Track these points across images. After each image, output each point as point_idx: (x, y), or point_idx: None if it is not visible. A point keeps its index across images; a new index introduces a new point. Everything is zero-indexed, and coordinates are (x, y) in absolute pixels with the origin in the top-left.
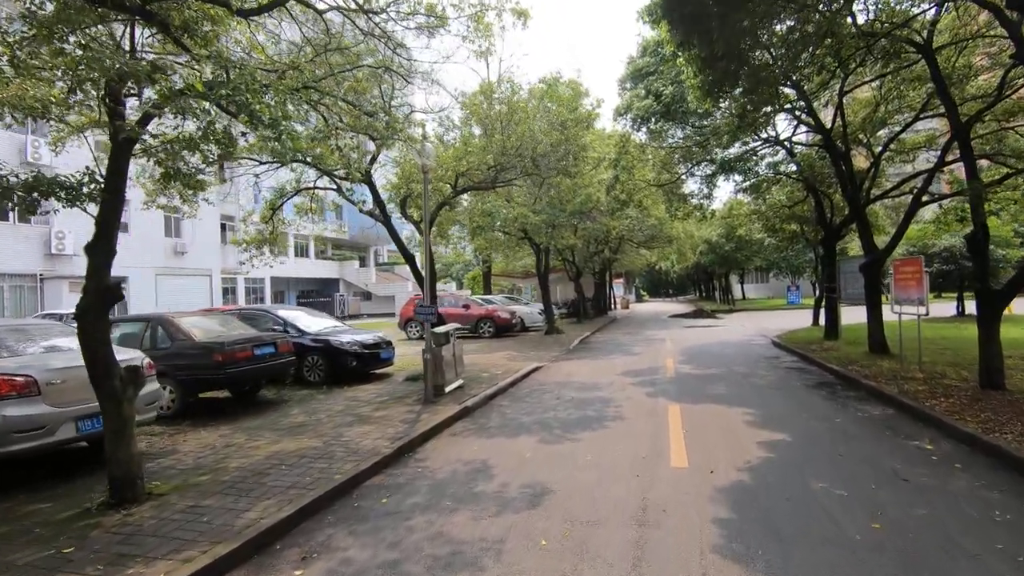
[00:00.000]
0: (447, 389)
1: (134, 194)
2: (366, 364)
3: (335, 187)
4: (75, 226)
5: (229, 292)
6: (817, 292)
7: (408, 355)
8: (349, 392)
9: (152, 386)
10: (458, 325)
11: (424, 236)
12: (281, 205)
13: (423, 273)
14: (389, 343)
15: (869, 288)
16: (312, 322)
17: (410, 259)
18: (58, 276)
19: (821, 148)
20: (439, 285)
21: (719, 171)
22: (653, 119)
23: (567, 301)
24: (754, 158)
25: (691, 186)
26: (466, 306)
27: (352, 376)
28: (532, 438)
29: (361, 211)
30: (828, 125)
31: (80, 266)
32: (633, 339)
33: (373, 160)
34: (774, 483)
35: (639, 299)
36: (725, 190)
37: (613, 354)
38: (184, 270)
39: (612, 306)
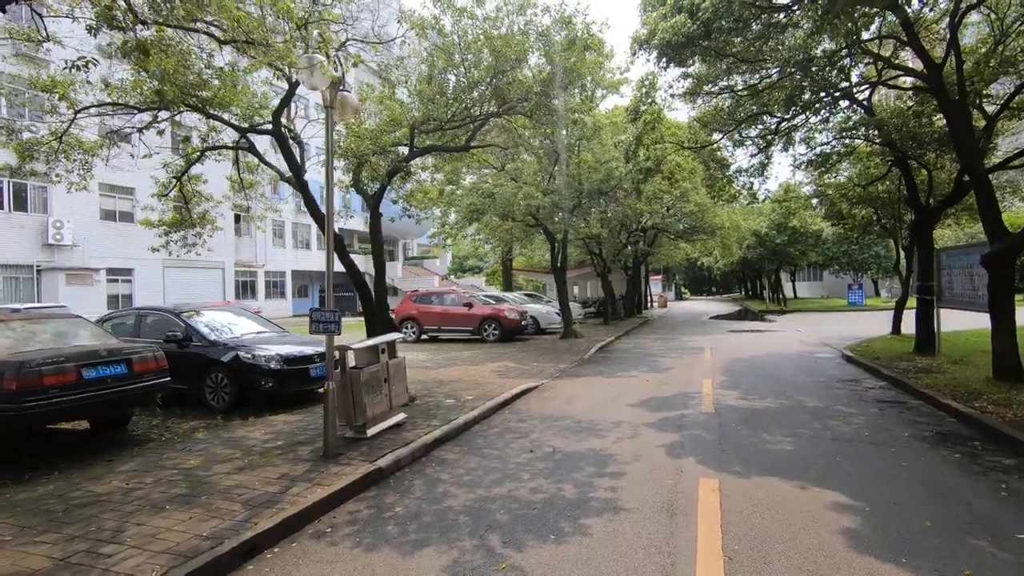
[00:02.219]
0: (373, 430)
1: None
2: (285, 384)
3: (246, 144)
4: (74, 215)
5: (247, 286)
6: (887, 292)
7: None
8: (245, 428)
9: None
10: (398, 336)
11: (326, 205)
12: (183, 174)
13: (373, 263)
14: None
15: (998, 288)
16: (231, 326)
17: (339, 241)
18: (55, 267)
19: (916, 98)
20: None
21: (773, 136)
22: (687, 52)
23: (594, 299)
24: (820, 121)
25: (738, 158)
26: (468, 304)
27: (270, 400)
28: (446, 556)
29: (282, 178)
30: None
31: (80, 257)
32: (664, 347)
33: (285, 104)
34: None
35: (679, 297)
36: (782, 167)
37: (634, 369)
38: (195, 262)
39: (648, 304)
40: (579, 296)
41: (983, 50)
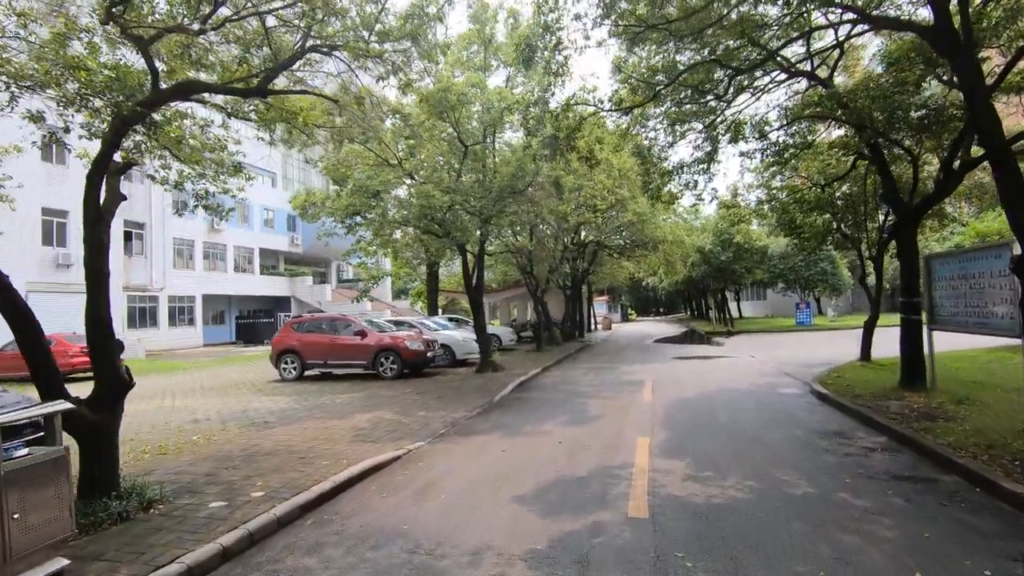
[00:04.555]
0: None
1: None
2: None
3: None
4: None
5: (144, 314)
6: (833, 311)
7: (209, 429)
8: None
9: None
10: (55, 407)
11: None
12: None
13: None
14: None
15: None
16: None
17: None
18: None
19: (891, 69)
20: (402, 303)
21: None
22: None
23: (533, 323)
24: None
25: (679, 152)
26: (361, 333)
27: None
28: None
29: None
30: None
31: None
32: (598, 381)
33: None
34: None
35: (625, 318)
36: (730, 166)
37: (550, 419)
38: (69, 286)
39: (592, 327)
40: (519, 319)
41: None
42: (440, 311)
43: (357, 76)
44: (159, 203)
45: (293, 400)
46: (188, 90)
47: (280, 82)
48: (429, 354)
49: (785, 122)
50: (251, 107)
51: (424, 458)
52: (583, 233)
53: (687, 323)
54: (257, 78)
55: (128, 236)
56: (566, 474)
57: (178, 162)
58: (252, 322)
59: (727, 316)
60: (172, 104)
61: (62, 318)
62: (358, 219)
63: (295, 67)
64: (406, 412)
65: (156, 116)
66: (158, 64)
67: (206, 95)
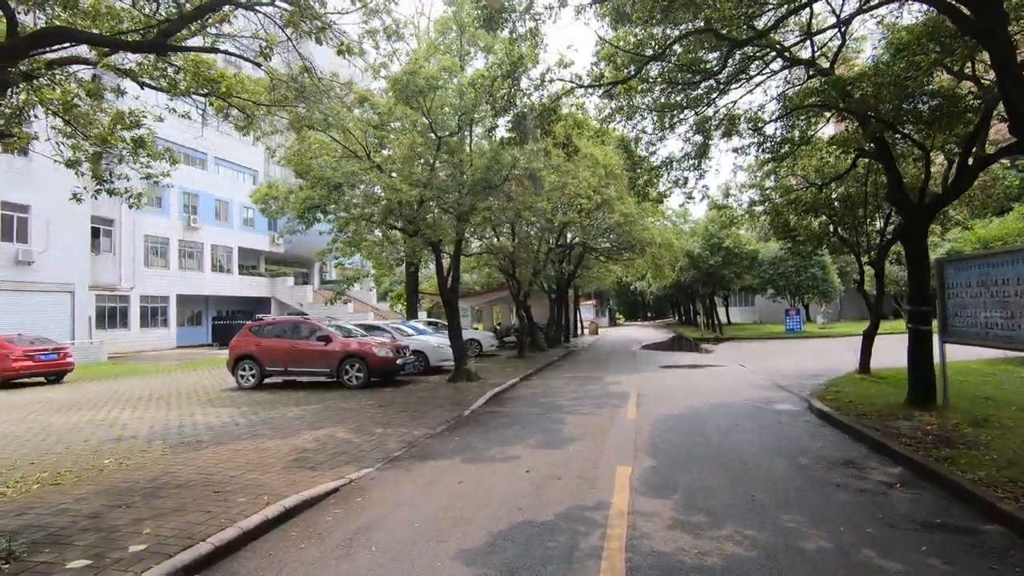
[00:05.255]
0: None
1: None
2: None
3: None
4: None
5: (113, 314)
6: (822, 318)
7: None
8: None
9: None
10: None
11: None
12: None
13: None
14: None
15: None
16: None
17: None
18: None
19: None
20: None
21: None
22: None
23: (510, 327)
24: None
25: (671, 147)
26: (325, 338)
27: None
28: None
29: None
30: None
31: None
32: (579, 393)
33: None
34: None
35: (613, 323)
36: (723, 163)
37: (520, 441)
38: (34, 285)
39: (579, 332)
40: (504, 323)
41: None
42: (426, 314)
43: (295, 44)
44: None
45: (240, 413)
46: (54, 37)
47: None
48: (399, 361)
49: (784, 112)
50: (158, 71)
51: (367, 491)
52: (569, 235)
53: (675, 328)
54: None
55: (96, 233)
56: (529, 517)
57: (85, 140)
58: (228, 323)
59: (716, 322)
60: (72, 68)
61: (25, 317)
62: (319, 215)
63: (220, 30)
64: (361, 429)
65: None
66: (39, 16)
67: (88, 52)
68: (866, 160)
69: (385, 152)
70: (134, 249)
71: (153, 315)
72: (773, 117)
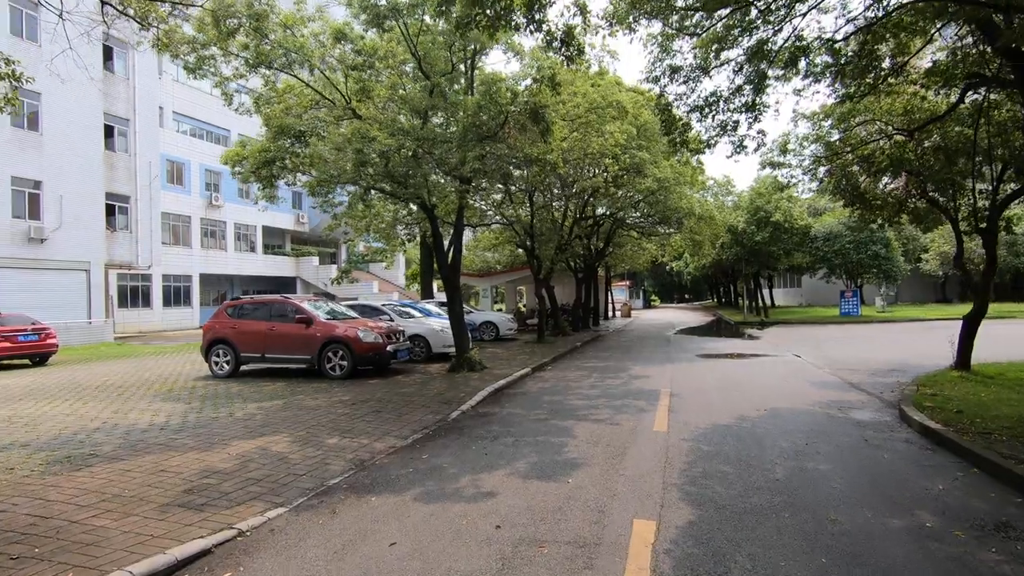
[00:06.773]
0: None
1: None
2: None
3: None
4: None
5: (135, 293)
6: (882, 300)
7: None
8: None
9: None
10: None
11: None
12: None
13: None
14: None
15: None
16: None
17: None
18: None
19: None
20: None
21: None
22: None
23: (534, 309)
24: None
25: (717, 81)
26: (306, 321)
27: None
28: None
29: None
30: None
31: None
32: (597, 390)
33: None
34: None
35: (648, 305)
36: (781, 111)
37: (502, 466)
38: (46, 262)
39: (610, 314)
40: (528, 304)
41: None
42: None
43: None
44: (145, 174)
45: (184, 412)
46: None
47: None
48: (390, 348)
49: (874, 19)
50: None
51: (250, 556)
52: (596, 208)
53: (714, 311)
54: None
55: (111, 210)
56: None
57: None
58: None
59: (760, 304)
60: None
61: (39, 295)
62: (289, 177)
63: None
64: (309, 439)
65: None
66: None
67: None
68: (977, 96)
69: (373, 103)
70: (151, 227)
71: (176, 294)
72: (851, 32)
